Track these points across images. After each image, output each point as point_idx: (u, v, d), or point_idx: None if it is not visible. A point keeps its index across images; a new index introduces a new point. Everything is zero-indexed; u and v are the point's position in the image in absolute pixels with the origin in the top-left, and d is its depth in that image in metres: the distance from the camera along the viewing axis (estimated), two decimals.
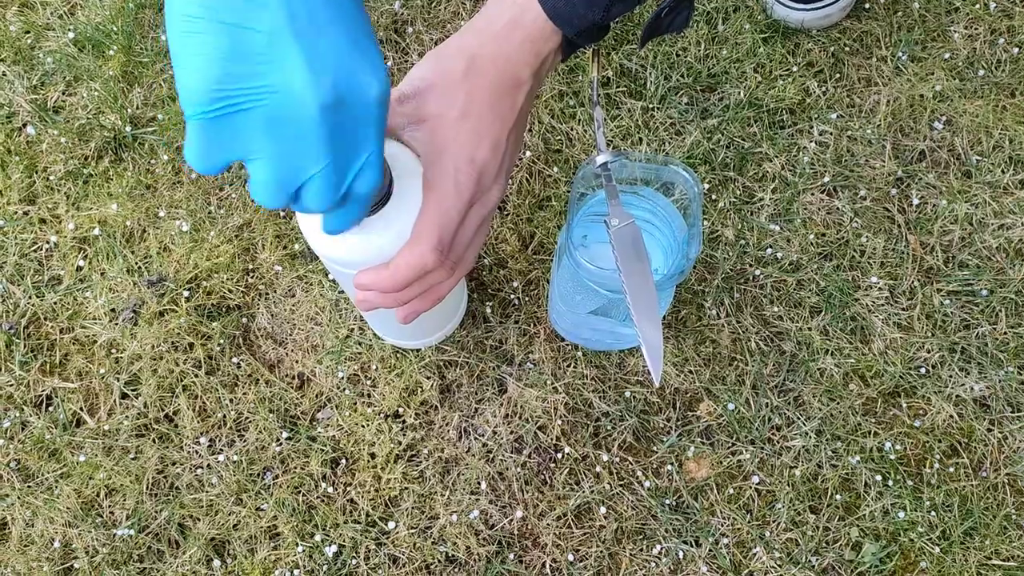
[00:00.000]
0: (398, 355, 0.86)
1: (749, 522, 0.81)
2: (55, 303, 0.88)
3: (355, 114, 0.39)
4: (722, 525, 0.81)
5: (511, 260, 0.90)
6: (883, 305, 0.88)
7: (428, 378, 0.86)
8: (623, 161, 0.70)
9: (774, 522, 0.81)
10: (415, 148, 0.51)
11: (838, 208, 0.91)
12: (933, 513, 0.82)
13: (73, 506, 0.81)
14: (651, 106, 0.95)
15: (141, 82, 0.96)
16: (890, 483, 0.83)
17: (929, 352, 0.86)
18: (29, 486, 0.82)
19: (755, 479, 0.82)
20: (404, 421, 0.85)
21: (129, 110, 0.95)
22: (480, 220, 0.52)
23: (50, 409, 0.85)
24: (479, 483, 0.83)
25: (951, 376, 0.86)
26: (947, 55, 0.97)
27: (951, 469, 0.83)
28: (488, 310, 0.88)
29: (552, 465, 0.83)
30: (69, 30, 0.98)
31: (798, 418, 0.84)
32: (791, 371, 0.86)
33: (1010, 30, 0.98)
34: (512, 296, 0.89)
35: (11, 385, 0.85)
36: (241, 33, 0.36)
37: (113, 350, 0.87)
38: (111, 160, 0.94)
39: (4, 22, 0.99)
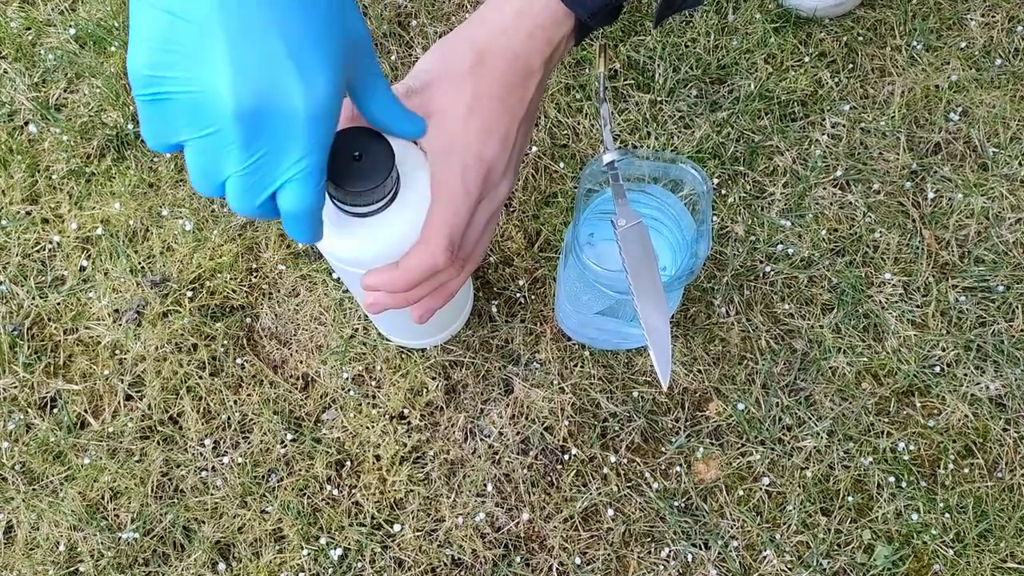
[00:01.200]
0: (403, 355, 0.85)
1: (759, 524, 0.80)
2: (58, 304, 0.88)
3: (279, 126, 0.38)
4: (731, 527, 0.80)
5: (517, 258, 0.89)
6: (897, 302, 0.86)
7: (433, 379, 0.85)
8: (630, 159, 0.68)
9: (785, 524, 0.80)
10: (422, 143, 0.50)
11: (851, 202, 0.89)
12: (947, 515, 0.80)
13: (78, 509, 0.81)
14: (659, 99, 0.93)
15: None
16: (903, 484, 0.81)
17: (944, 350, 0.85)
18: (34, 489, 0.82)
19: (765, 480, 0.81)
20: (409, 422, 0.84)
21: (131, 107, 0.94)
22: (489, 216, 0.51)
23: (54, 411, 0.85)
24: (485, 485, 0.82)
25: (966, 375, 0.84)
26: (963, 44, 0.95)
27: (966, 470, 0.82)
28: (494, 309, 0.87)
29: (559, 467, 0.82)
30: (70, 26, 0.97)
31: (809, 418, 0.83)
32: (802, 370, 0.84)
33: None
34: (518, 295, 0.88)
35: (15, 387, 0.85)
36: (173, 21, 0.35)
37: (117, 351, 0.86)
38: (114, 158, 0.93)
39: (5, 18, 0.98)
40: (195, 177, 0.40)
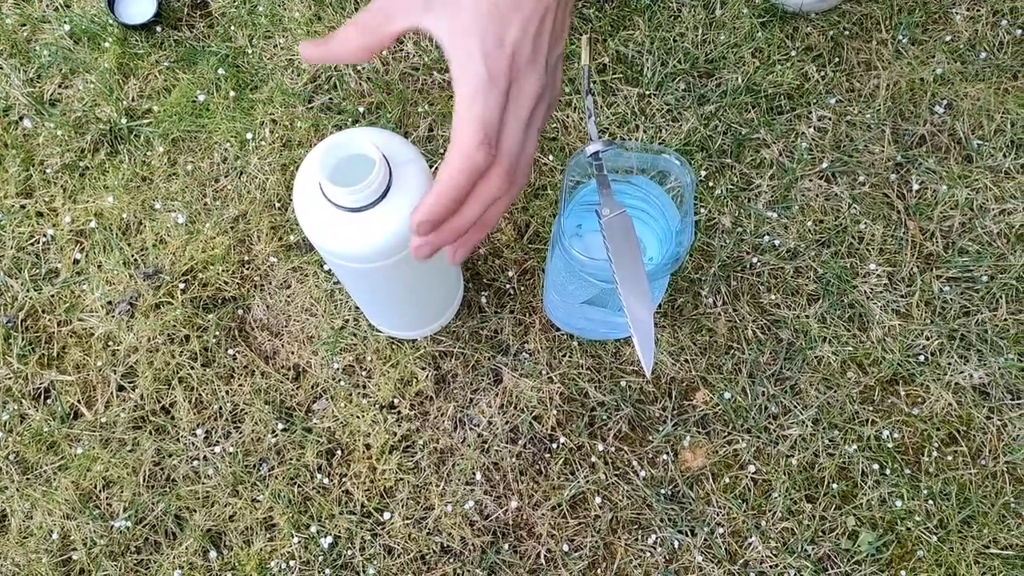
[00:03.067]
0: (393, 346, 0.86)
1: (745, 511, 0.81)
2: (52, 296, 0.89)
3: None
4: (718, 514, 0.81)
5: (506, 249, 0.90)
6: (882, 292, 0.87)
7: (423, 369, 0.86)
8: (617, 150, 0.69)
9: (770, 511, 0.81)
10: (435, 35, 0.45)
11: (836, 194, 0.90)
12: (931, 502, 0.81)
13: (71, 498, 0.82)
14: (647, 92, 0.94)
15: (137, 74, 0.96)
16: (887, 472, 0.82)
17: (928, 339, 0.86)
18: (28, 478, 0.83)
19: (751, 468, 0.82)
20: (399, 412, 0.85)
21: (124, 102, 0.95)
22: (527, 114, 0.45)
23: (48, 402, 0.85)
24: (474, 473, 0.83)
25: (950, 363, 0.85)
26: (948, 37, 0.96)
27: (949, 457, 0.83)
28: (483, 300, 0.88)
29: (547, 455, 0.83)
30: (65, 22, 0.98)
31: (795, 407, 0.84)
32: (788, 359, 0.85)
33: (1013, 11, 0.96)
34: (507, 286, 0.89)
35: (9, 378, 0.86)
36: None
37: (110, 343, 0.87)
38: (107, 152, 0.94)
39: (0, 15, 0.99)
40: None
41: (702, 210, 0.90)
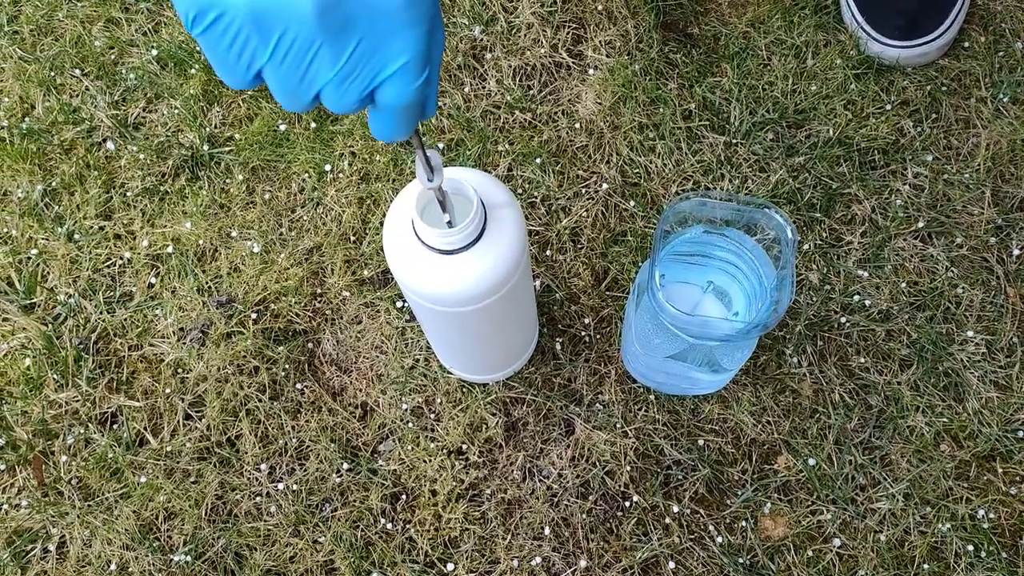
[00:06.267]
0: (463, 389, 0.84)
1: None
2: (125, 320, 0.88)
3: (371, 7, 0.33)
4: None
5: (583, 295, 0.87)
6: (979, 361, 0.83)
7: (493, 415, 0.83)
8: (704, 200, 0.67)
9: None
10: None
11: (932, 255, 0.86)
12: None
13: (132, 528, 0.80)
14: (734, 141, 0.92)
15: (220, 101, 0.97)
16: (983, 554, 0.77)
17: None
18: (89, 505, 0.82)
19: (836, 542, 0.78)
20: (467, 458, 0.82)
21: (207, 129, 0.95)
22: None
23: (114, 427, 0.84)
24: (543, 528, 0.79)
25: None
26: None
27: None
28: (558, 346, 0.85)
29: (619, 514, 0.80)
30: (152, 47, 0.99)
31: (885, 479, 0.79)
32: (878, 427, 0.81)
33: None
34: (583, 333, 0.86)
35: (77, 401, 0.85)
36: None
37: (179, 370, 0.86)
38: (187, 178, 0.94)
39: (90, 37, 1.00)
40: (283, 99, 0.37)
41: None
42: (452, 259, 0.58)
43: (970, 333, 0.83)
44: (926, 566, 0.77)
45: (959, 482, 0.79)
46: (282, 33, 0.33)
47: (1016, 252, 0.86)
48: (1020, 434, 0.80)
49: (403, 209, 0.60)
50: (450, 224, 0.56)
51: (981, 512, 0.78)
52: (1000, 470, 0.80)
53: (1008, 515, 0.78)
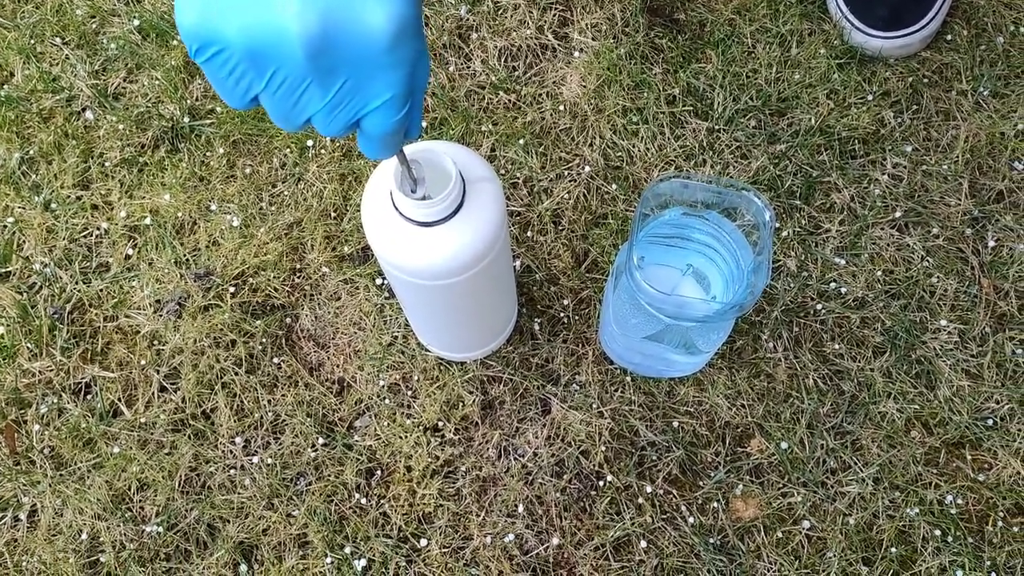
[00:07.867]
0: (441, 367, 0.84)
1: (797, 569, 0.77)
2: (101, 290, 0.87)
3: (358, 49, 0.36)
4: (768, 570, 0.78)
5: (563, 277, 0.87)
6: (952, 350, 0.84)
7: (470, 393, 0.83)
8: (686, 182, 0.67)
9: (823, 571, 0.77)
10: None
11: (909, 245, 0.87)
12: (993, 573, 0.77)
13: (104, 498, 0.80)
14: (717, 127, 0.92)
15: (202, 74, 0.96)
16: (949, 539, 0.78)
17: (998, 403, 0.82)
18: (61, 474, 0.81)
19: (806, 524, 0.79)
20: (443, 435, 0.82)
21: (188, 101, 0.94)
22: None
23: (88, 397, 0.84)
24: (516, 505, 0.80)
25: (1020, 430, 0.81)
26: None
27: (1015, 528, 0.79)
28: (536, 327, 0.86)
29: (593, 493, 0.80)
30: (135, 17, 0.98)
31: (855, 463, 0.80)
32: (850, 413, 0.82)
33: None
34: (562, 314, 0.86)
35: (51, 370, 0.84)
36: None
37: (155, 342, 0.85)
38: (167, 150, 0.93)
39: (71, 5, 0.99)
40: (277, 121, 0.40)
41: None
42: (430, 231, 0.58)
43: (943, 322, 0.84)
44: (893, 549, 0.78)
45: (928, 468, 0.80)
46: (275, 70, 0.36)
47: (991, 243, 0.87)
48: (989, 422, 0.81)
49: (382, 181, 0.60)
50: (424, 198, 0.56)
51: (949, 498, 0.79)
52: (969, 457, 0.81)
53: (975, 501, 0.80)
